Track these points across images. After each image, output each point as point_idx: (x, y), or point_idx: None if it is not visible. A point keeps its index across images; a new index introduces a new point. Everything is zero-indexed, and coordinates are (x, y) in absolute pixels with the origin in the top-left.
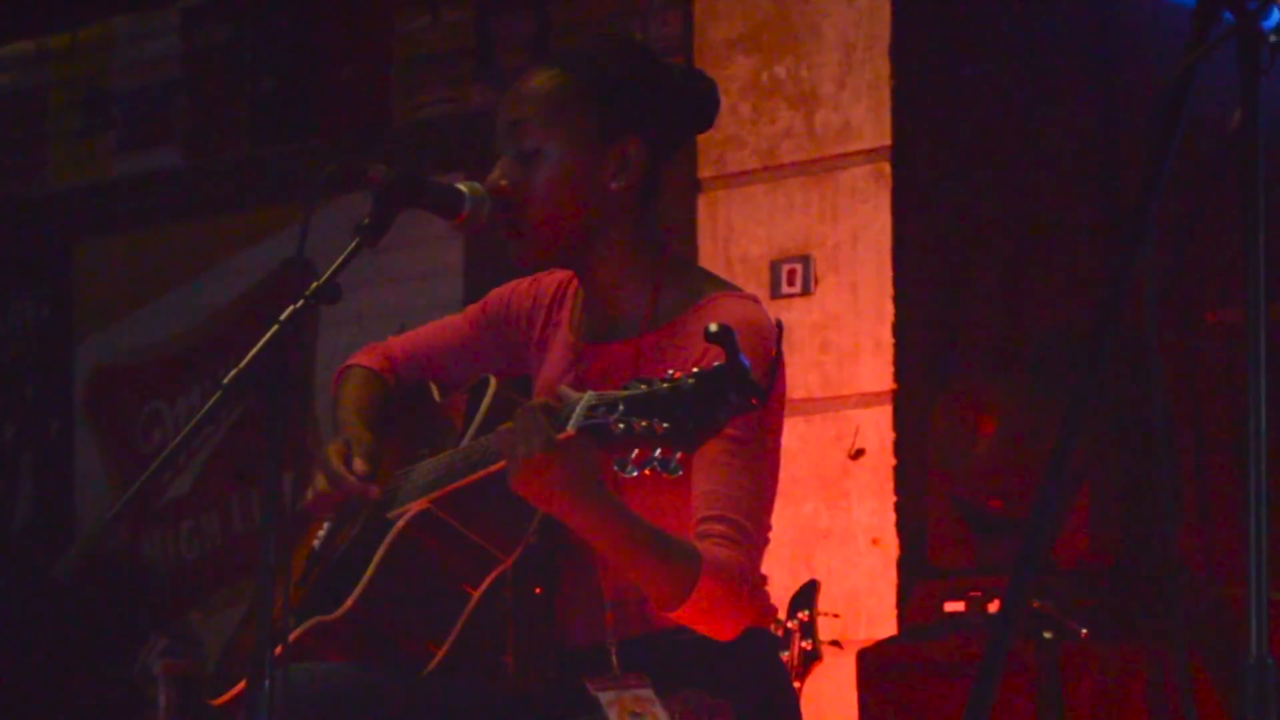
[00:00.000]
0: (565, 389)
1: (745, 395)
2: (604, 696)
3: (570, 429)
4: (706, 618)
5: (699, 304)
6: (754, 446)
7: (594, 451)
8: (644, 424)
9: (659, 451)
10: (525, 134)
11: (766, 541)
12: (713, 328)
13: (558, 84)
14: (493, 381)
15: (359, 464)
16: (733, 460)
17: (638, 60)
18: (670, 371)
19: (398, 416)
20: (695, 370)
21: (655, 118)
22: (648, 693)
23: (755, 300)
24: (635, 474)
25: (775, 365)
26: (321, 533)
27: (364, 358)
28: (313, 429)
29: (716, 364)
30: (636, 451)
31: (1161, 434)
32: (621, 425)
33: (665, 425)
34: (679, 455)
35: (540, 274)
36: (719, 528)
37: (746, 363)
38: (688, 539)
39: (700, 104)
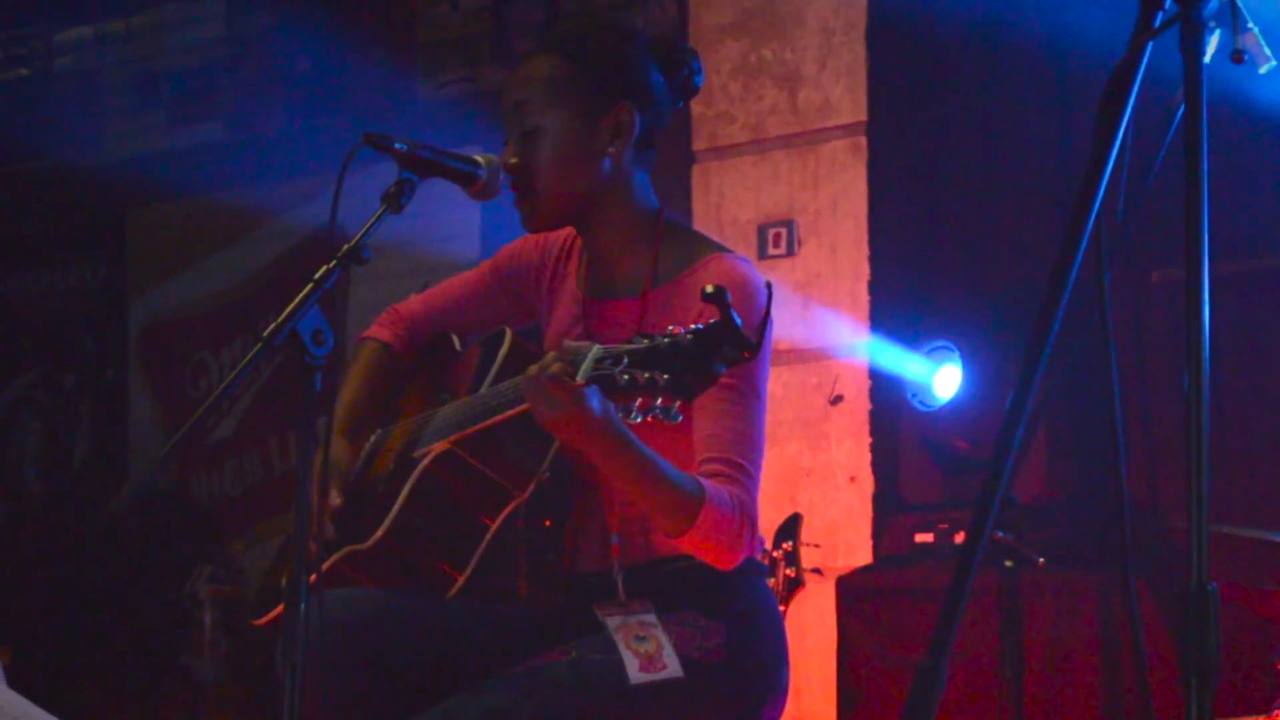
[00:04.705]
0: (570, 342)
1: (739, 349)
2: (611, 622)
3: (580, 379)
4: (709, 545)
5: (697, 265)
6: (748, 394)
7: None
8: (646, 375)
9: (660, 400)
10: (526, 114)
11: None
12: (709, 289)
13: (550, 66)
14: (508, 333)
15: (334, 496)
16: (730, 406)
17: (621, 36)
18: (670, 327)
19: (421, 365)
20: (694, 326)
21: (641, 84)
22: (650, 618)
23: (747, 261)
24: (639, 420)
25: (766, 321)
26: (354, 470)
27: (380, 329)
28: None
29: (713, 321)
30: (640, 400)
31: (1114, 382)
32: (626, 377)
33: (666, 377)
34: (679, 404)
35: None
36: (719, 467)
37: (739, 320)
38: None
39: (679, 69)
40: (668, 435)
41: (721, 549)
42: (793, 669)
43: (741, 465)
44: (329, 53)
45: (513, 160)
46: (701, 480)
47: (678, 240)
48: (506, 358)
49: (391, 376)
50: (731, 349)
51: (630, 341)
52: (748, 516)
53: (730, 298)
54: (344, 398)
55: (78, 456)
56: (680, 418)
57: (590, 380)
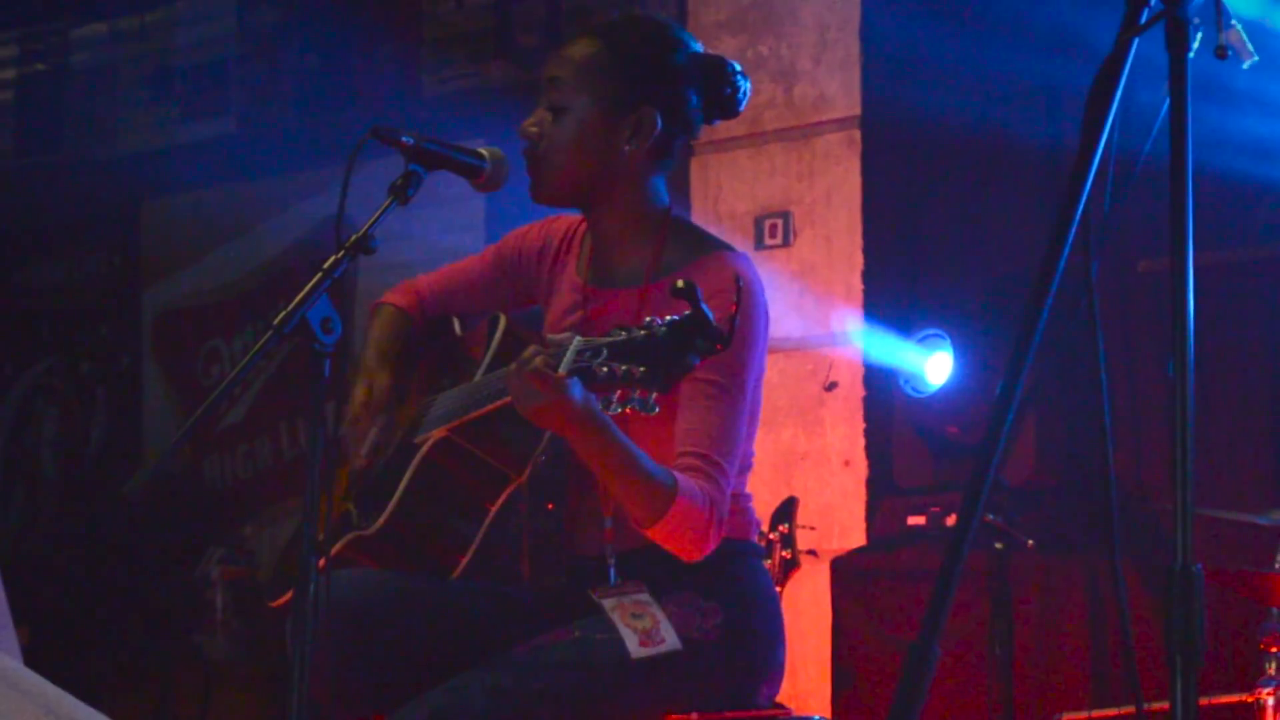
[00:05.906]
0: (553, 335)
1: (711, 341)
2: (606, 603)
3: (561, 371)
4: (676, 537)
5: (697, 260)
6: (731, 389)
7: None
8: (624, 368)
9: (638, 392)
10: (557, 91)
11: (749, 467)
12: (679, 284)
13: (592, 52)
14: (502, 320)
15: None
16: (710, 401)
17: (667, 43)
18: (648, 320)
19: (423, 349)
20: (668, 319)
21: (674, 94)
22: (645, 596)
23: (747, 259)
24: (619, 410)
25: (739, 315)
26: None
27: (395, 296)
28: (351, 364)
29: (685, 313)
30: (619, 392)
31: (1101, 369)
32: (605, 369)
33: (642, 369)
34: (655, 395)
35: (553, 217)
36: (694, 461)
37: (710, 313)
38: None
39: (724, 86)
40: (654, 429)
41: (688, 542)
42: (788, 648)
43: (715, 461)
44: (337, 48)
45: (532, 128)
46: (675, 474)
47: (683, 236)
48: (501, 344)
49: (406, 335)
50: (704, 341)
51: (609, 334)
52: (717, 511)
53: (700, 292)
54: (371, 347)
55: (93, 442)
56: (657, 409)
57: (572, 372)
